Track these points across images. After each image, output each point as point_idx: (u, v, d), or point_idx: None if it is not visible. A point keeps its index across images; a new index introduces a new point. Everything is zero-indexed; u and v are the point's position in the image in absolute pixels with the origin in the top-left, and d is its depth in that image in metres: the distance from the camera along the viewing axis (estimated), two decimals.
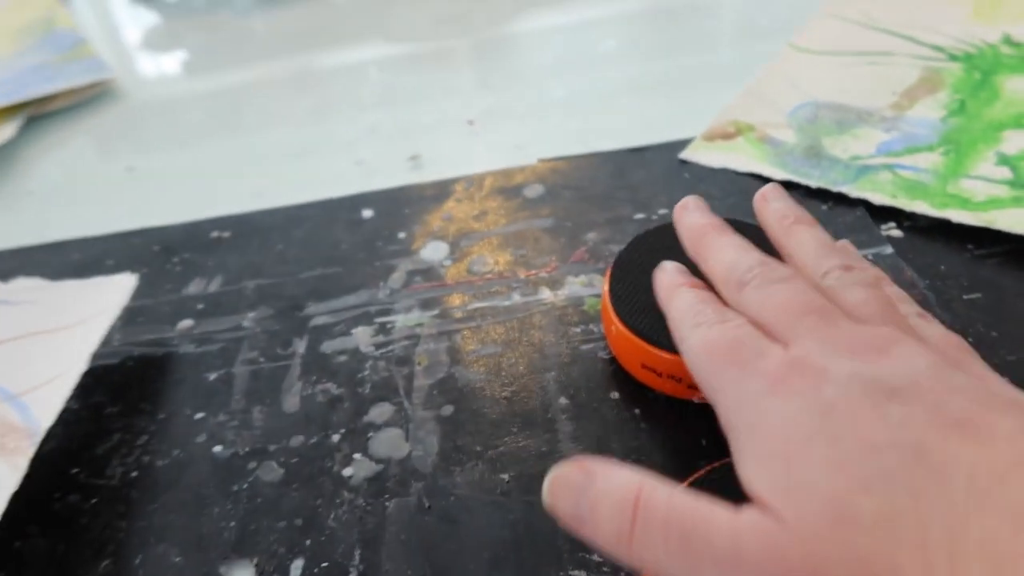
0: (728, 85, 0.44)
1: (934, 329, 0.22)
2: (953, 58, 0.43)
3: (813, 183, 0.36)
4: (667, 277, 0.25)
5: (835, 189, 0.35)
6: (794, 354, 0.19)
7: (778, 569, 0.17)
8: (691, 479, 0.23)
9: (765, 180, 0.37)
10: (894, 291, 0.24)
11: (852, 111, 0.40)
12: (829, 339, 0.20)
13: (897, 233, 0.33)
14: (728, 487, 0.22)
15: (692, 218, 0.27)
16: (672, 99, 0.46)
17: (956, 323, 0.29)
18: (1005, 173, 0.34)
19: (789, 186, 0.36)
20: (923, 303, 0.30)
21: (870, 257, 0.32)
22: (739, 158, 0.38)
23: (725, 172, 0.38)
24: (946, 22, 0.45)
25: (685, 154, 0.39)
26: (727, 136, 0.40)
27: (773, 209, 0.26)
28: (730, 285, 0.23)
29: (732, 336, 0.21)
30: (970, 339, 0.28)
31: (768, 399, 0.19)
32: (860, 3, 0.48)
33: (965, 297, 0.30)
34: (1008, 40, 0.43)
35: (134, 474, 0.29)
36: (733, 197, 0.37)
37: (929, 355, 0.19)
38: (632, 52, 0.52)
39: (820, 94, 0.42)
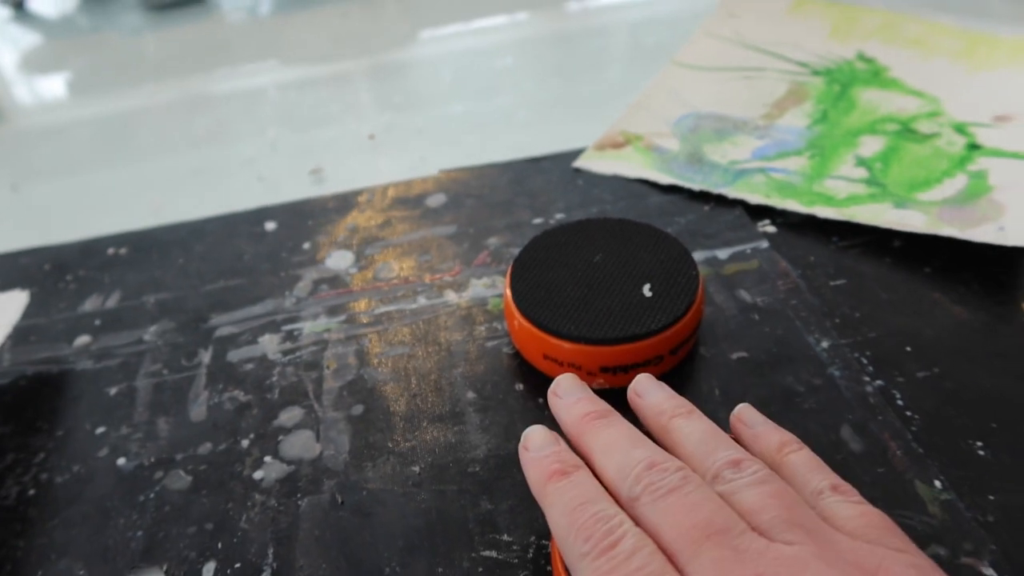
0: (618, 100, 0.47)
1: (849, 509, 0.20)
2: (816, 73, 0.47)
3: (696, 186, 0.38)
4: (536, 464, 0.22)
5: (715, 191, 0.38)
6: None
7: None
8: None
9: (653, 185, 0.39)
10: (803, 459, 0.22)
11: (729, 121, 0.43)
12: (731, 573, 0.18)
13: (772, 229, 0.36)
14: None
15: (567, 405, 0.24)
16: (566, 114, 0.48)
17: (825, 306, 0.32)
18: (862, 173, 0.38)
19: (674, 189, 0.39)
20: (795, 290, 0.33)
21: (748, 251, 0.35)
22: (628, 165, 0.41)
23: (616, 178, 0.40)
24: (808, 40, 0.50)
25: (578, 163, 0.42)
26: (617, 145, 0.42)
27: (648, 404, 0.25)
28: (621, 496, 0.21)
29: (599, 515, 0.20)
30: (837, 320, 0.31)
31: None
32: (732, 23, 0.52)
33: (832, 283, 0.33)
34: (862, 56, 0.47)
35: (31, 492, 0.28)
36: (623, 201, 0.39)
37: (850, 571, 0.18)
38: (527, 70, 0.54)
39: (701, 106, 0.45)
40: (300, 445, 0.29)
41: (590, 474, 0.22)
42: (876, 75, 0.45)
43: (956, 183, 0.36)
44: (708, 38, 0.51)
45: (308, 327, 0.33)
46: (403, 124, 0.48)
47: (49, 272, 0.38)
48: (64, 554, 0.26)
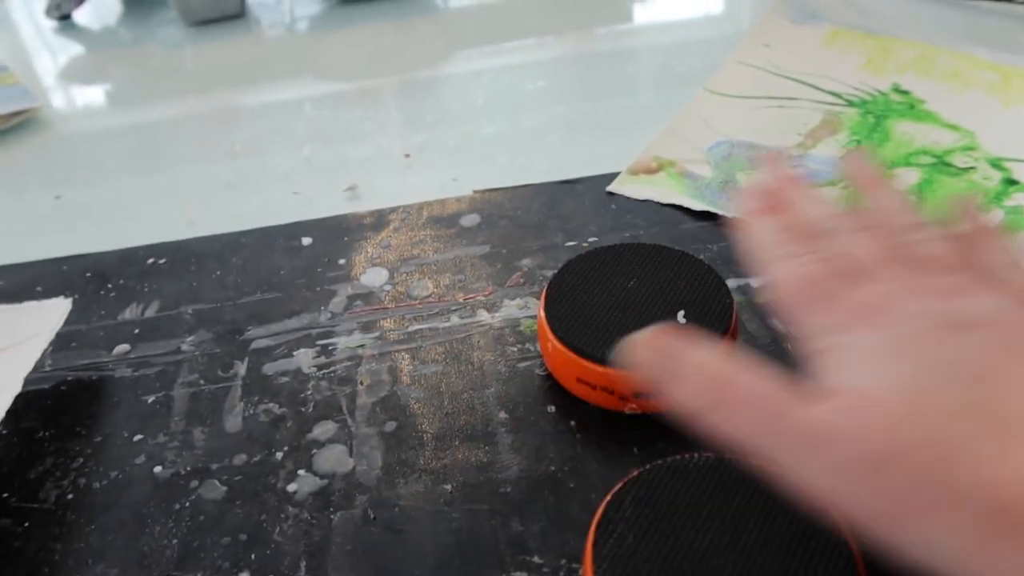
0: (648, 125, 0.47)
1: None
2: (850, 103, 0.47)
3: (729, 213, 0.39)
4: (748, 200, 0.26)
5: None
6: (881, 292, 0.21)
7: (859, 450, 0.17)
8: (623, 481, 0.24)
9: (686, 211, 0.40)
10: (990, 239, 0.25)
11: (763, 149, 0.43)
12: (911, 282, 0.21)
13: None
14: (658, 486, 0.24)
15: (771, 176, 0.28)
16: (597, 137, 0.49)
17: None
18: None
19: (707, 216, 0.39)
20: None
21: None
22: (661, 191, 0.41)
23: (649, 204, 0.41)
24: (842, 71, 0.50)
25: (612, 187, 0.42)
26: (650, 171, 0.43)
27: (859, 167, 0.28)
28: (818, 231, 0.24)
29: (817, 272, 0.22)
30: None
31: (854, 330, 0.20)
32: (765, 52, 0.53)
33: None
34: (897, 88, 0.48)
35: (69, 496, 0.29)
36: (656, 226, 0.39)
37: (1000, 297, 0.20)
38: (559, 92, 0.55)
39: (733, 133, 0.45)
40: (333, 459, 0.29)
41: None
42: (911, 107, 0.46)
43: (992, 219, 0.36)
44: (740, 66, 0.52)
45: (343, 342, 0.34)
46: (436, 143, 0.49)
47: (90, 280, 0.39)
48: (100, 559, 0.26)
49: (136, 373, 0.33)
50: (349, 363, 0.33)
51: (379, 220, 0.41)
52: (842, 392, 0.19)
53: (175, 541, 0.27)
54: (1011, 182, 0.38)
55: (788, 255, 0.23)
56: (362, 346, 0.34)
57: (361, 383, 0.32)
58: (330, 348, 0.34)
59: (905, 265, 0.22)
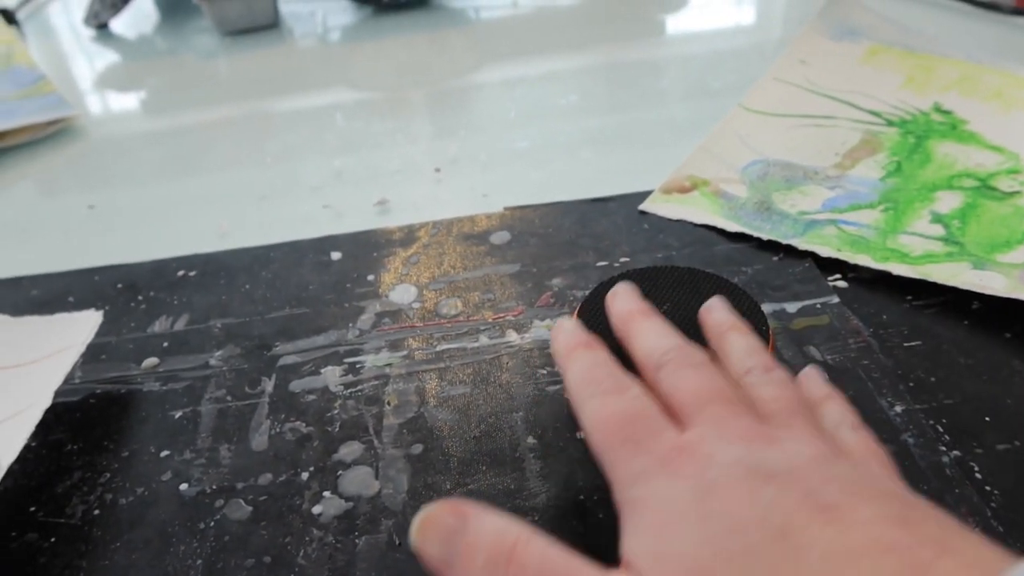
0: (682, 140, 0.46)
1: (857, 436, 0.23)
2: (890, 123, 0.46)
3: (764, 235, 0.38)
4: (564, 337, 0.26)
5: (785, 242, 0.37)
6: (687, 438, 0.21)
7: None
8: None
9: (720, 231, 0.39)
10: (823, 393, 0.25)
11: (799, 169, 0.43)
12: (726, 427, 0.21)
13: (843, 284, 0.35)
14: None
15: (620, 304, 0.28)
16: (630, 152, 0.48)
17: (898, 368, 0.31)
18: (938, 230, 0.37)
19: (742, 237, 0.38)
20: (867, 349, 0.32)
21: (818, 306, 0.34)
22: (695, 211, 0.40)
23: (682, 223, 0.40)
24: (881, 90, 0.49)
25: (645, 206, 0.41)
26: (683, 190, 0.42)
27: (713, 319, 0.27)
28: (648, 367, 0.24)
29: (628, 411, 0.22)
30: (911, 383, 0.30)
31: (655, 479, 0.20)
32: (802, 70, 0.52)
33: (906, 344, 0.32)
34: (938, 108, 0.46)
35: (96, 512, 0.28)
36: (689, 248, 0.38)
37: (816, 446, 0.20)
38: (591, 107, 0.54)
39: (769, 152, 0.44)
40: (359, 482, 0.29)
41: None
42: (953, 128, 0.44)
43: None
44: (776, 83, 0.51)
45: (370, 361, 0.34)
46: (468, 157, 0.49)
47: (121, 291, 0.39)
48: None
49: (164, 387, 0.33)
50: (376, 382, 0.33)
51: (408, 236, 0.41)
52: (632, 565, 0.19)
53: (199, 562, 0.26)
54: None
55: (602, 392, 0.23)
56: (390, 365, 0.33)
57: (388, 403, 0.32)
58: (357, 366, 0.33)
59: (725, 406, 0.21)
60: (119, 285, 0.40)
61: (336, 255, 0.40)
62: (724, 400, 0.22)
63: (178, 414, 0.32)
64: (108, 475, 0.30)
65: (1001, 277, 0.33)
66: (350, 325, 0.36)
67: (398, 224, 0.42)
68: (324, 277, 0.39)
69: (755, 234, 0.38)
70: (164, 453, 0.31)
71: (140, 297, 0.39)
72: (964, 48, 0.52)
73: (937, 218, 0.38)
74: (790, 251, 0.37)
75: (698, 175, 0.43)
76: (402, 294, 0.37)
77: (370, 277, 0.38)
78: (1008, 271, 0.34)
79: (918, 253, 0.36)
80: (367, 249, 0.40)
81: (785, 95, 0.49)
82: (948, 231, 0.37)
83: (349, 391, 0.32)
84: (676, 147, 0.46)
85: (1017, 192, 0.39)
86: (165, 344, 0.36)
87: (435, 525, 0.21)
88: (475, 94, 0.58)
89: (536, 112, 0.54)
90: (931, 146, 0.43)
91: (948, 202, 0.39)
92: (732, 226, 0.39)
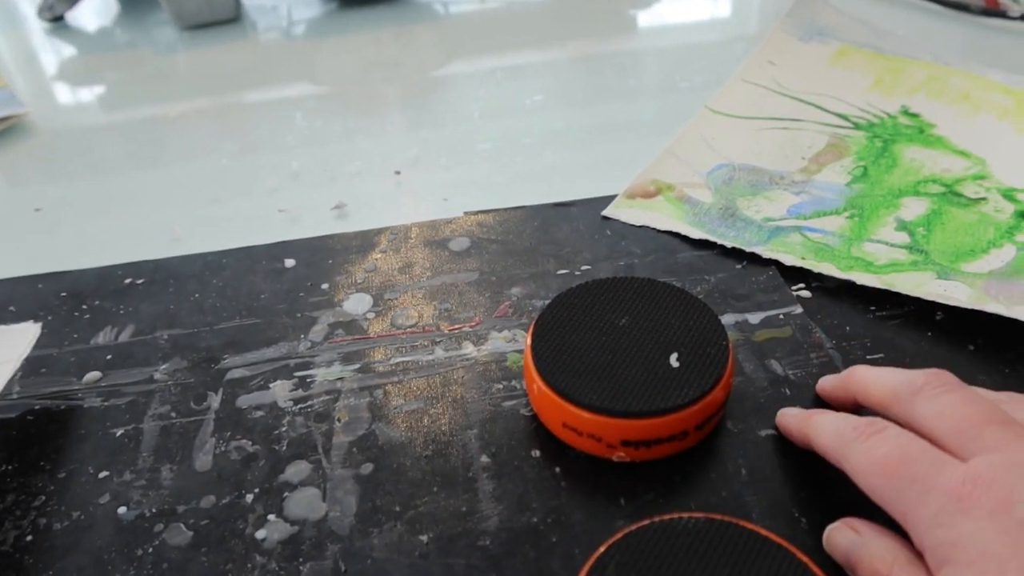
0: (647, 141, 0.46)
1: None
2: (857, 127, 0.45)
3: (728, 243, 0.37)
4: (794, 414, 0.27)
5: (749, 249, 0.37)
6: (975, 468, 0.20)
7: None
8: (607, 544, 0.23)
9: (684, 238, 0.38)
10: None
11: (765, 174, 0.42)
12: (1013, 451, 0.20)
13: (806, 293, 0.35)
14: (644, 549, 0.22)
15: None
16: (594, 153, 0.47)
17: None
18: (904, 238, 0.36)
19: (706, 244, 0.38)
20: (829, 364, 0.31)
21: (781, 317, 0.33)
22: (659, 217, 0.39)
23: (645, 229, 0.39)
24: (849, 92, 0.48)
25: (608, 211, 0.40)
26: (648, 195, 0.41)
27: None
28: (897, 400, 0.24)
29: (899, 449, 0.21)
30: None
31: (958, 519, 0.19)
32: (771, 71, 0.51)
33: (868, 358, 0.31)
34: (906, 111, 0.46)
35: (28, 538, 0.27)
36: (652, 255, 0.38)
37: None
38: (558, 107, 0.53)
39: (735, 156, 0.43)
40: (305, 504, 0.28)
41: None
42: (921, 132, 0.44)
43: (1004, 254, 0.35)
44: (744, 85, 0.50)
45: (321, 374, 0.33)
46: (429, 159, 0.47)
47: (64, 300, 0.38)
48: None
49: (106, 403, 0.32)
50: (327, 397, 0.32)
51: (365, 242, 0.40)
52: None
53: None
54: None
55: (863, 437, 0.23)
56: (341, 379, 0.32)
57: (339, 420, 0.31)
58: (308, 380, 0.32)
59: (1003, 428, 0.21)
60: (63, 293, 0.38)
61: (290, 262, 0.39)
62: (1000, 422, 0.21)
63: (119, 432, 0.31)
64: (43, 498, 0.29)
65: (965, 287, 0.33)
66: (302, 336, 0.35)
67: (355, 229, 0.41)
68: (276, 285, 0.38)
69: (719, 241, 0.37)
70: (103, 474, 0.29)
71: (84, 306, 0.37)
72: (933, 49, 0.51)
73: (903, 225, 0.37)
74: (754, 259, 0.37)
75: (663, 179, 0.42)
76: (356, 304, 0.36)
77: (324, 286, 0.37)
78: (972, 281, 0.33)
79: (883, 262, 0.35)
80: (322, 256, 0.39)
81: (752, 97, 0.49)
82: (913, 239, 0.36)
83: (298, 407, 0.31)
84: (642, 148, 0.45)
85: (983, 199, 0.38)
86: (109, 357, 0.34)
87: (840, 536, 0.23)
88: (440, 92, 0.57)
89: (500, 112, 0.53)
90: (898, 150, 0.43)
91: (914, 209, 0.38)
92: (696, 232, 0.38)
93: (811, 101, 0.48)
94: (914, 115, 0.46)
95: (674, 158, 0.44)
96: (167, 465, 0.29)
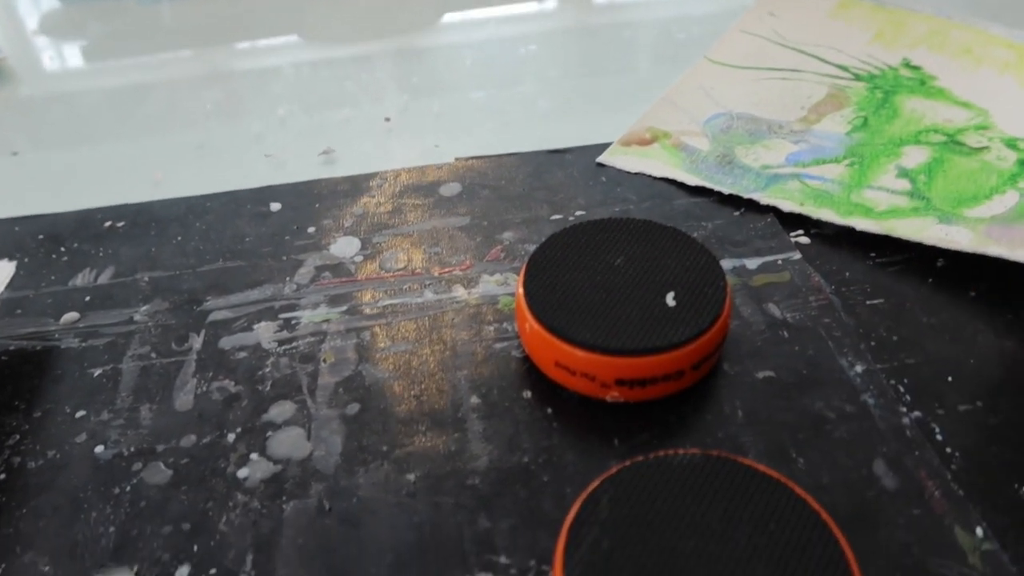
0: (644, 92, 0.44)
1: None
2: (857, 78, 0.44)
3: (725, 189, 0.36)
4: None
5: (746, 196, 0.36)
6: None
7: None
8: (600, 478, 0.22)
9: (680, 186, 0.37)
10: None
11: (763, 123, 0.41)
12: None
13: (805, 240, 0.34)
14: (638, 485, 0.22)
15: None
16: (590, 106, 0.46)
17: (860, 327, 0.30)
18: (904, 185, 0.35)
19: (702, 192, 0.37)
20: (828, 307, 0.30)
21: (779, 262, 0.33)
22: (655, 164, 0.38)
23: (641, 177, 0.38)
24: (849, 44, 0.47)
25: (602, 158, 0.39)
26: (643, 142, 0.40)
27: None
28: None
29: None
30: (873, 342, 0.29)
31: None
32: (771, 22, 0.50)
33: (868, 303, 0.31)
34: (907, 63, 0.45)
35: (2, 476, 0.26)
36: (648, 202, 0.37)
37: None
38: (552, 60, 0.52)
39: (733, 105, 0.42)
40: (289, 443, 0.27)
41: None
42: (922, 84, 0.43)
43: (1006, 200, 0.34)
44: (743, 35, 0.49)
45: (307, 316, 0.32)
46: (420, 108, 0.46)
47: (42, 242, 0.37)
48: (30, 547, 0.24)
49: (84, 344, 0.31)
50: (312, 339, 0.31)
51: (354, 187, 0.39)
52: None
53: (112, 529, 0.24)
54: None
55: None
56: (327, 321, 0.31)
57: (324, 361, 0.30)
58: (293, 322, 0.31)
59: None
60: (40, 236, 0.37)
61: (276, 206, 0.38)
62: None
63: (97, 372, 0.30)
64: (17, 436, 0.28)
65: (967, 232, 0.32)
66: (287, 279, 0.33)
67: (343, 174, 0.40)
68: (262, 229, 0.36)
69: (716, 188, 0.36)
70: (80, 414, 0.28)
71: (63, 249, 0.36)
72: (935, 3, 0.50)
73: (903, 173, 0.36)
74: (752, 206, 0.36)
75: (659, 127, 0.41)
76: (344, 247, 0.35)
77: (311, 229, 0.36)
78: (974, 226, 0.33)
79: (883, 208, 0.34)
80: (309, 200, 0.38)
81: (752, 47, 0.48)
82: (914, 186, 0.35)
83: (283, 348, 0.30)
84: (638, 98, 0.44)
85: (985, 147, 0.37)
86: (87, 298, 0.33)
87: None
88: (431, 45, 0.55)
89: (494, 63, 0.51)
90: (899, 101, 0.42)
91: (915, 157, 0.37)
92: (692, 179, 0.37)
93: (811, 52, 0.47)
94: (915, 67, 0.45)
95: (671, 106, 0.43)
96: (146, 405, 0.28)
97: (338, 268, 0.34)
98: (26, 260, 0.36)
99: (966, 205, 0.34)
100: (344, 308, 0.32)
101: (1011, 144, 0.37)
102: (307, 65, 0.53)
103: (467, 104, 0.47)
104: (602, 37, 0.54)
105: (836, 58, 0.46)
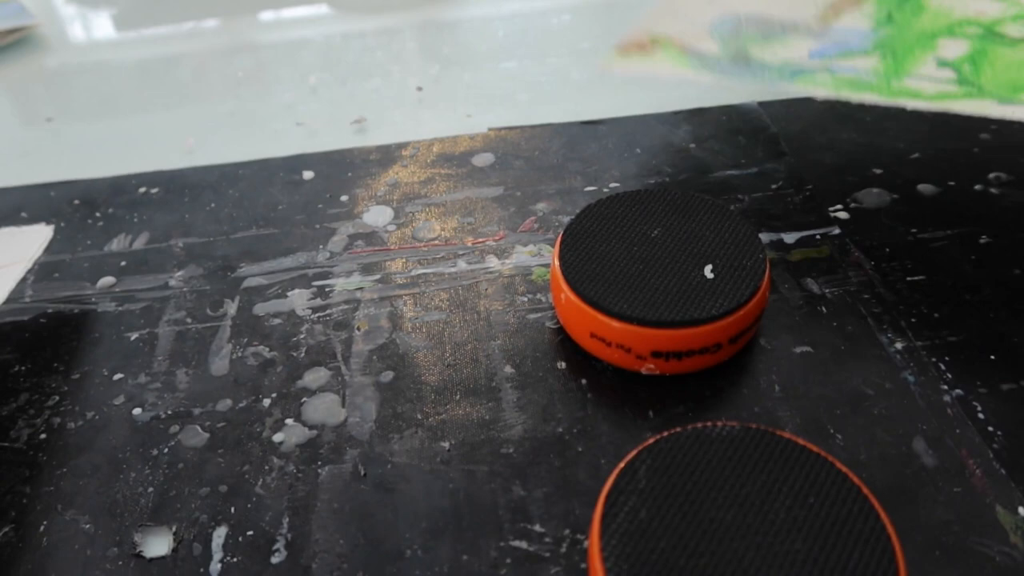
0: None
1: None
2: None
3: (747, 84, 0.35)
4: None
5: (772, 87, 0.34)
6: None
7: None
8: (638, 448, 0.22)
9: (718, 157, 0.37)
10: None
11: (776, 23, 0.39)
12: None
13: (844, 215, 0.33)
14: (676, 455, 0.22)
15: None
16: (623, 77, 0.45)
17: (900, 304, 0.29)
18: (949, 74, 0.34)
19: (738, 164, 0.36)
20: (868, 283, 0.30)
21: (818, 237, 0.32)
22: (661, 66, 0.37)
23: (676, 150, 0.38)
24: None
25: (602, 67, 0.38)
26: (643, 48, 0.39)
27: None
28: None
29: None
30: (913, 319, 0.28)
31: None
32: None
33: (909, 279, 0.30)
34: None
35: (42, 436, 0.27)
36: (685, 174, 0.36)
37: None
38: (585, 30, 0.51)
39: (742, 8, 0.41)
40: (324, 409, 0.27)
41: None
42: None
43: None
44: None
45: (340, 284, 0.32)
46: (452, 78, 0.46)
47: (77, 207, 0.37)
48: (70, 505, 0.25)
49: (120, 308, 0.31)
50: (346, 306, 0.31)
51: (386, 156, 0.39)
52: None
53: (151, 489, 0.25)
54: None
55: None
56: (361, 289, 0.31)
57: (358, 328, 0.30)
58: (327, 290, 0.31)
59: None
60: (76, 201, 0.37)
61: (308, 174, 0.38)
62: None
63: (134, 336, 0.30)
64: (57, 398, 0.28)
65: None
66: (320, 247, 0.34)
67: (375, 143, 0.40)
68: (294, 197, 0.36)
69: (735, 83, 0.35)
70: (117, 376, 0.29)
71: (98, 214, 0.36)
72: None
73: (944, 63, 0.35)
74: (789, 182, 0.35)
75: (660, 32, 0.39)
76: (377, 216, 0.35)
77: (343, 198, 0.36)
78: None
79: (932, 92, 0.33)
80: (341, 169, 0.38)
81: None
82: (960, 74, 0.34)
83: (317, 315, 0.30)
84: None
85: None
86: (123, 263, 0.34)
87: None
88: (462, 15, 0.55)
89: (527, 33, 0.51)
90: None
91: (953, 49, 0.36)
92: (706, 76, 0.36)
93: None
94: None
95: (671, 15, 0.41)
96: (182, 369, 0.29)
97: (371, 237, 0.34)
98: (62, 225, 0.36)
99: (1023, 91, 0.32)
100: (377, 276, 0.32)
101: None
102: (337, 35, 0.53)
103: (499, 75, 0.46)
104: (634, 7, 0.53)
105: None
